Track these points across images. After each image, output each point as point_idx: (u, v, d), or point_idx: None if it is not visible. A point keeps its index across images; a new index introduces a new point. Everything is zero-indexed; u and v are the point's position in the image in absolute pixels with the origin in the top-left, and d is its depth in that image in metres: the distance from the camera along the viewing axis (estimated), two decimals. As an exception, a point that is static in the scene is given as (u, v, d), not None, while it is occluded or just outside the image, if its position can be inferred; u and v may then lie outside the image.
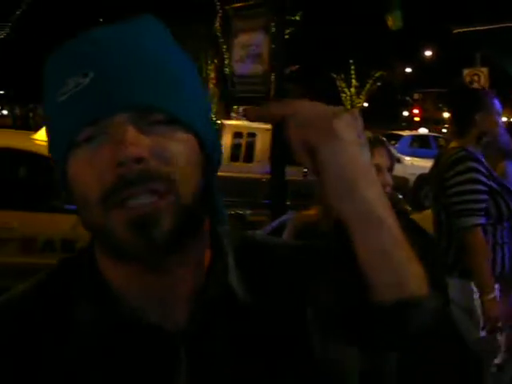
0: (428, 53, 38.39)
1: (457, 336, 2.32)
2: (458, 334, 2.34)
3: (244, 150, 9.98)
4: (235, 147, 10.02)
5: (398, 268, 0.70)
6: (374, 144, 2.16)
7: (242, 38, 5.97)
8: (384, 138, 2.27)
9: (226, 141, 9.87)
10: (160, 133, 0.68)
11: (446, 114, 47.86)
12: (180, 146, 0.69)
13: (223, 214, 0.86)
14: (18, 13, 19.49)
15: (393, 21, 12.11)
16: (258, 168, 9.42)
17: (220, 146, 0.81)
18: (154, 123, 0.68)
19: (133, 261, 0.70)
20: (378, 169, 2.12)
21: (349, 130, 0.69)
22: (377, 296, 0.70)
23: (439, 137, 20.31)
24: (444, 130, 28.60)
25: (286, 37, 5.82)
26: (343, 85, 37.17)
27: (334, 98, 38.26)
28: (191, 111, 0.71)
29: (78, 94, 0.67)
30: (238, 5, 6.32)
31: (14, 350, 0.71)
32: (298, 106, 0.70)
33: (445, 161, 2.79)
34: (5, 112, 53.53)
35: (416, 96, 45.11)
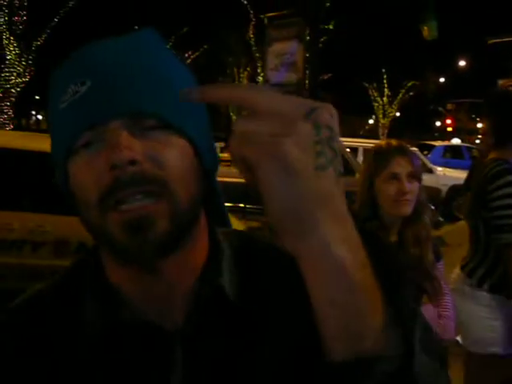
0: (462, 63, 38.01)
1: None
2: None
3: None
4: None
5: (351, 321, 0.58)
6: (391, 154, 2.17)
7: (277, 47, 5.99)
8: (407, 146, 2.27)
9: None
10: (153, 138, 0.70)
11: (480, 125, 47.24)
12: (173, 151, 0.71)
13: (225, 216, 0.89)
14: (55, 19, 19.82)
15: (428, 31, 12.03)
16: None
17: (216, 151, 0.83)
18: (147, 129, 0.70)
19: (129, 262, 0.73)
20: (395, 177, 2.14)
21: (302, 150, 0.53)
22: (326, 350, 0.60)
23: (472, 147, 20.05)
24: (477, 141, 28.22)
25: (320, 45, 5.81)
26: (376, 94, 37.01)
27: (366, 107, 38.12)
28: (184, 117, 0.73)
29: (77, 101, 0.71)
30: (273, 14, 6.35)
31: (28, 347, 0.76)
32: (250, 97, 0.55)
33: (485, 173, 2.71)
34: (39, 117, 54.54)
35: (449, 106, 44.65)
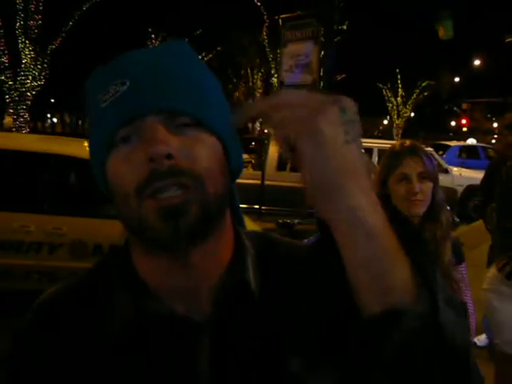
0: (477, 62, 37.74)
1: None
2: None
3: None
4: (282, 156, 9.98)
5: (382, 277, 0.66)
6: (402, 154, 2.18)
7: (291, 48, 6.00)
8: (420, 146, 2.26)
9: (273, 150, 9.87)
10: (186, 134, 0.76)
11: (496, 124, 46.89)
12: (204, 147, 0.77)
13: (241, 217, 0.94)
14: (70, 23, 19.96)
15: (444, 31, 11.96)
16: (304, 177, 9.37)
17: (241, 152, 0.88)
18: (181, 126, 0.76)
19: (161, 249, 0.77)
20: (405, 178, 2.14)
21: (333, 126, 0.64)
22: (361, 304, 0.68)
23: (488, 147, 19.90)
24: (493, 141, 28.00)
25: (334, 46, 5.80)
26: (390, 94, 36.87)
27: (381, 108, 37.97)
28: (214, 116, 0.79)
29: (117, 99, 0.77)
30: (288, 15, 6.36)
31: (58, 342, 0.81)
32: (283, 99, 0.67)
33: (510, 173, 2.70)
34: (54, 120, 54.93)
35: (464, 106, 44.32)
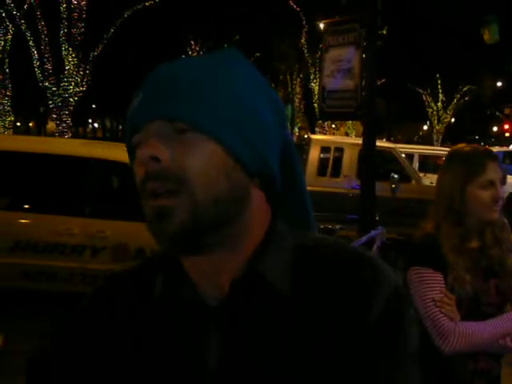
0: (520, 66, 36.96)
1: None
2: None
3: (331, 164, 9.92)
4: (322, 162, 9.97)
5: None
6: (484, 159, 2.11)
7: (333, 53, 5.97)
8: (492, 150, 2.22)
9: (313, 155, 9.84)
10: (182, 139, 0.80)
11: (539, 130, 45.80)
12: (197, 152, 0.79)
13: (312, 218, 0.96)
14: (111, 31, 20.31)
15: (489, 34, 11.75)
16: (344, 183, 9.42)
17: (267, 153, 0.86)
18: (179, 131, 0.80)
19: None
20: (490, 184, 2.09)
21: None
22: None
23: (531, 153, 19.47)
24: (537, 147, 27.31)
25: (376, 51, 5.76)
26: (430, 99, 36.43)
27: (421, 113, 37.53)
28: (219, 125, 0.81)
29: (131, 110, 0.85)
30: (329, 20, 6.34)
31: (109, 324, 0.90)
32: None
33: None
34: (95, 125, 55.86)
35: (507, 111, 43.47)
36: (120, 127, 52.99)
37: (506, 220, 2.19)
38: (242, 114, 0.83)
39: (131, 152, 0.85)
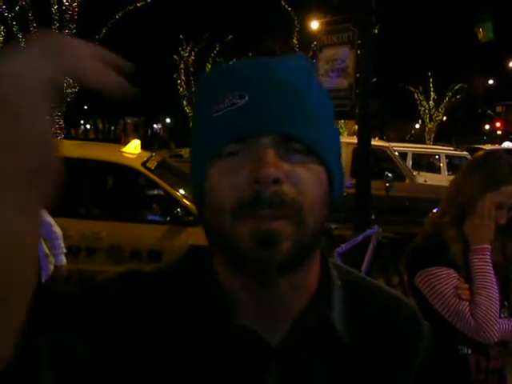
0: (511, 64, 37.13)
1: None
2: None
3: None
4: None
5: None
6: (505, 178, 2.04)
7: (327, 53, 5.99)
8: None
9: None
10: (296, 161, 0.73)
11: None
12: (313, 177, 0.74)
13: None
14: (103, 32, 20.25)
15: (483, 33, 11.79)
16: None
17: (344, 182, 0.83)
18: (291, 151, 0.73)
19: (248, 273, 0.74)
20: (499, 207, 2.04)
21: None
22: None
23: (524, 151, 19.57)
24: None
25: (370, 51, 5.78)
26: (422, 98, 36.51)
27: (413, 112, 37.60)
28: (326, 145, 0.76)
29: (233, 112, 0.73)
30: (323, 20, 6.36)
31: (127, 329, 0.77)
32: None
33: None
34: (88, 126, 55.64)
35: (498, 109, 43.68)
36: (112, 128, 52.83)
37: None
38: (337, 137, 0.81)
39: (217, 156, 0.74)
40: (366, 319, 0.83)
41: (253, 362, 0.76)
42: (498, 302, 1.99)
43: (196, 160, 0.79)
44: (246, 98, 0.73)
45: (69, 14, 18.52)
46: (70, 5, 18.48)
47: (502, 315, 2.06)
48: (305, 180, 0.73)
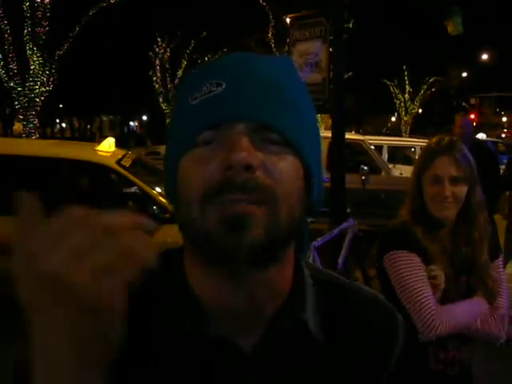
0: (484, 56, 37.56)
1: None
2: None
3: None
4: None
5: None
6: (436, 153, 2.08)
7: (300, 47, 6.00)
8: (458, 145, 2.11)
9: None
10: (271, 151, 0.71)
11: (505, 118, 46.54)
12: (288, 168, 0.72)
13: (306, 244, 0.88)
14: (77, 29, 20.02)
15: (453, 26, 11.90)
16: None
17: (322, 189, 0.81)
18: (267, 141, 0.71)
19: (220, 263, 0.70)
20: (437, 180, 2.05)
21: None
22: None
23: (498, 142, 19.81)
24: (503, 135, 27.84)
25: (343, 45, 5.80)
26: (397, 91, 36.76)
27: (388, 105, 37.86)
28: (305, 140, 0.74)
29: (210, 99, 0.72)
30: (296, 15, 6.36)
31: None
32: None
33: None
34: (63, 125, 55.14)
35: (472, 101, 44.15)
36: (88, 126, 52.39)
37: (489, 222, 2.14)
38: (317, 136, 0.79)
39: (191, 145, 0.72)
40: (340, 318, 0.82)
41: (229, 371, 0.74)
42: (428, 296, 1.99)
43: (170, 151, 0.77)
44: (224, 85, 0.72)
45: (41, 11, 18.28)
46: (42, 1, 18.24)
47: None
48: (280, 169, 0.70)
